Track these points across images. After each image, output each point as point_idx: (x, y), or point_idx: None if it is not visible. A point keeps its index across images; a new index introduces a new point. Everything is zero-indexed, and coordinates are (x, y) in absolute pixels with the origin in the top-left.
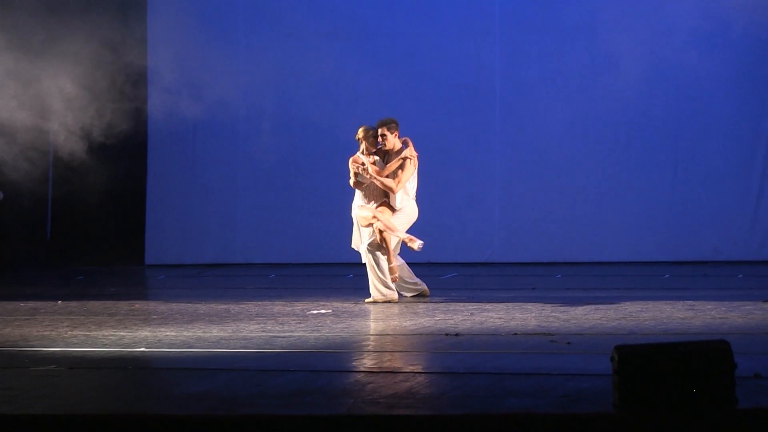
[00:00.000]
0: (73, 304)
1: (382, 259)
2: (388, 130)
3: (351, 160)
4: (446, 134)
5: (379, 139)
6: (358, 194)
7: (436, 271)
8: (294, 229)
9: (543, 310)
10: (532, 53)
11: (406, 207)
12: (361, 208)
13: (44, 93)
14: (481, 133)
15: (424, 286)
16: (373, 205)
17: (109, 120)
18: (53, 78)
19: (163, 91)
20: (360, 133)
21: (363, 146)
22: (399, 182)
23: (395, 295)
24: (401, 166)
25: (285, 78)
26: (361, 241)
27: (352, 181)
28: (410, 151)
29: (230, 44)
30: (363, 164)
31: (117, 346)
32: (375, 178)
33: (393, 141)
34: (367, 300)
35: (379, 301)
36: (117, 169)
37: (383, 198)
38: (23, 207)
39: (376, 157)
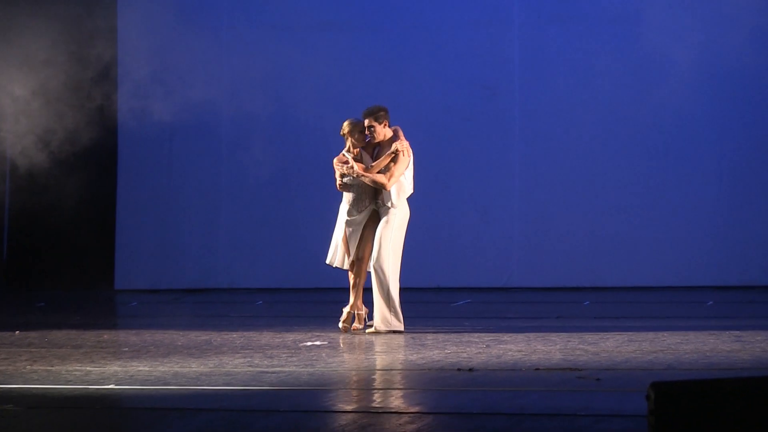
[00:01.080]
0: (33, 334)
1: (393, 279)
2: (376, 120)
3: (336, 160)
4: (458, 140)
5: (367, 131)
6: (346, 199)
7: (446, 297)
8: (285, 250)
9: (569, 341)
10: (558, 48)
11: (403, 206)
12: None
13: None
14: (499, 139)
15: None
16: (366, 211)
17: (73, 125)
18: (6, 77)
19: (136, 91)
20: (345, 127)
21: (349, 143)
22: (392, 176)
23: (401, 326)
24: (394, 159)
25: (275, 77)
26: (349, 255)
27: (338, 183)
28: (402, 143)
29: (213, 37)
30: (347, 163)
31: (83, 382)
32: (363, 176)
33: (382, 132)
34: (368, 330)
35: (382, 331)
36: (83, 181)
37: (375, 200)
38: None
39: (370, 161)
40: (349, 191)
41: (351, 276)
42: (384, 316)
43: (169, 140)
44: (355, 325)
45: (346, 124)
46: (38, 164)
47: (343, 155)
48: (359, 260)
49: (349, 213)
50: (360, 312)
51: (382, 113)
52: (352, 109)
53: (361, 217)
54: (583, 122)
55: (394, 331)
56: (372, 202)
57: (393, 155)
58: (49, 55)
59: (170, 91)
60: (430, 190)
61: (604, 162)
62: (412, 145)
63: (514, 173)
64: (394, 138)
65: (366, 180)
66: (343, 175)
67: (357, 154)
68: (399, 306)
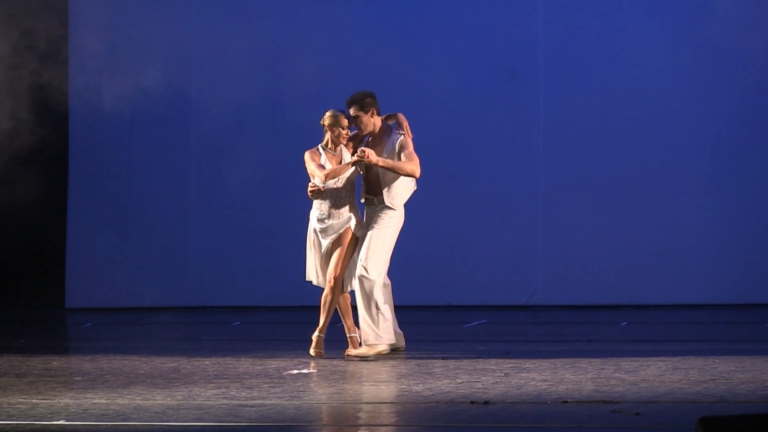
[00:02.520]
0: None
1: (385, 289)
2: (362, 109)
3: (308, 156)
4: (473, 131)
5: (352, 122)
6: (318, 206)
7: (458, 317)
8: (265, 263)
9: (603, 369)
10: (588, 25)
11: (401, 209)
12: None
13: None
14: (520, 130)
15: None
16: (344, 218)
17: (13, 117)
18: None
19: (90, 75)
20: (326, 119)
21: (327, 136)
22: (415, 163)
23: (393, 340)
24: (403, 145)
25: (258, 58)
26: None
27: (310, 187)
28: (406, 130)
29: (182, 9)
30: (363, 152)
31: (28, 417)
32: (383, 164)
33: (371, 122)
34: (355, 351)
35: (370, 354)
36: (27, 181)
37: (353, 203)
38: None
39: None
40: (321, 198)
41: (325, 293)
42: (372, 334)
43: (129, 134)
44: (349, 350)
45: (328, 114)
46: None
47: (317, 150)
48: (331, 279)
49: (325, 219)
50: (353, 335)
51: (368, 99)
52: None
53: (340, 224)
54: (620, 111)
55: (392, 350)
56: (352, 206)
57: (400, 140)
58: None
59: (128, 77)
60: (439, 191)
61: (644, 160)
62: (417, 136)
63: (538, 171)
64: (392, 127)
65: (389, 165)
66: (354, 163)
67: (333, 150)
68: (389, 319)
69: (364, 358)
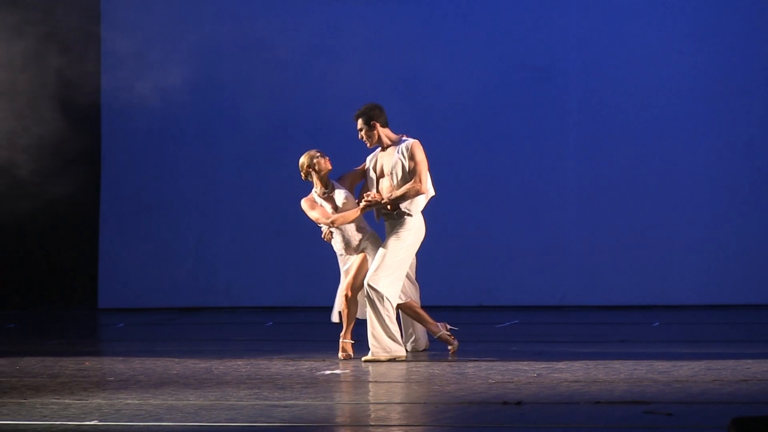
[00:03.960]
0: (1, 361)
1: (388, 301)
2: (366, 122)
3: (306, 206)
4: (506, 134)
5: (360, 135)
6: (334, 243)
7: (490, 318)
8: (296, 263)
9: (635, 369)
10: (620, 24)
11: (419, 218)
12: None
13: None
14: (551, 130)
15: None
16: (362, 245)
17: (45, 118)
18: None
19: (122, 74)
20: (303, 163)
21: (315, 178)
22: (420, 175)
23: (402, 352)
24: (412, 157)
25: (291, 56)
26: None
27: (325, 233)
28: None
29: (214, 6)
30: (369, 195)
31: (61, 417)
32: (390, 200)
33: (375, 135)
34: (365, 357)
35: (382, 359)
36: (60, 184)
37: (365, 226)
38: None
39: (344, 192)
40: (333, 234)
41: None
42: (381, 342)
43: (160, 134)
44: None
45: (302, 160)
46: (5, 164)
47: (313, 197)
48: (348, 294)
49: (345, 255)
50: (347, 341)
51: (375, 111)
52: (375, 91)
53: (359, 251)
54: (652, 111)
55: (394, 359)
56: (364, 232)
57: (410, 152)
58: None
59: (160, 76)
60: (471, 191)
61: (677, 159)
62: (448, 137)
63: (570, 171)
64: (400, 137)
65: (397, 196)
66: (366, 207)
67: (326, 190)
68: (396, 328)
69: (372, 361)
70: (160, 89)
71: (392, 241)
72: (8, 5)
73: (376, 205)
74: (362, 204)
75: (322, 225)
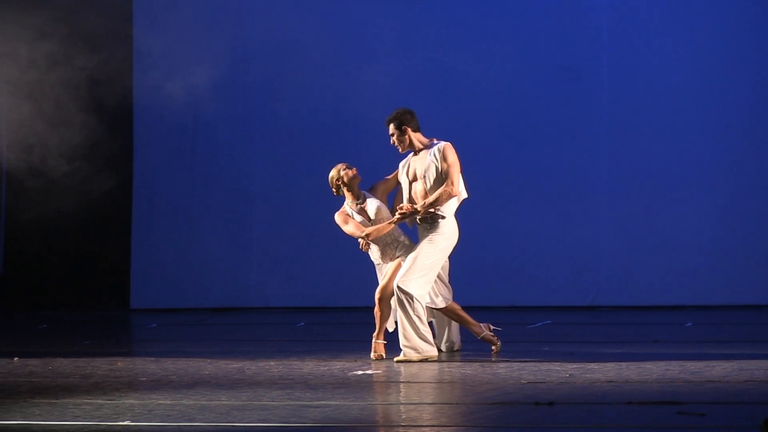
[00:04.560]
0: (34, 362)
1: (417, 302)
2: (398, 127)
3: (340, 220)
4: (535, 132)
5: (392, 140)
6: (370, 253)
7: (522, 318)
8: (328, 263)
9: (668, 370)
10: (653, 23)
11: (452, 221)
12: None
13: None
14: (583, 131)
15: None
16: (398, 252)
17: (77, 119)
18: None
19: (154, 75)
20: (331, 179)
21: (345, 191)
22: (453, 177)
23: (434, 352)
24: (445, 159)
25: (324, 55)
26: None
27: (364, 248)
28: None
29: (246, 6)
30: (402, 208)
31: (93, 418)
32: (425, 207)
33: (406, 140)
34: (397, 358)
35: (414, 359)
36: (92, 183)
37: (399, 234)
38: None
39: (376, 202)
40: (372, 247)
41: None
42: (413, 343)
43: (192, 135)
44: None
45: (330, 176)
46: (38, 163)
47: (345, 211)
48: (381, 299)
49: (381, 265)
50: (379, 341)
51: (408, 116)
52: (410, 95)
53: (396, 257)
54: (685, 111)
55: (426, 359)
56: (399, 240)
57: (442, 153)
58: (47, 28)
59: (191, 76)
60: (503, 191)
61: (710, 158)
62: (478, 137)
63: (602, 171)
64: (432, 141)
65: (430, 202)
66: (400, 217)
67: (358, 201)
68: (428, 329)
69: (403, 362)
70: (191, 89)
71: (425, 245)
72: (40, 6)
73: (410, 216)
74: (396, 216)
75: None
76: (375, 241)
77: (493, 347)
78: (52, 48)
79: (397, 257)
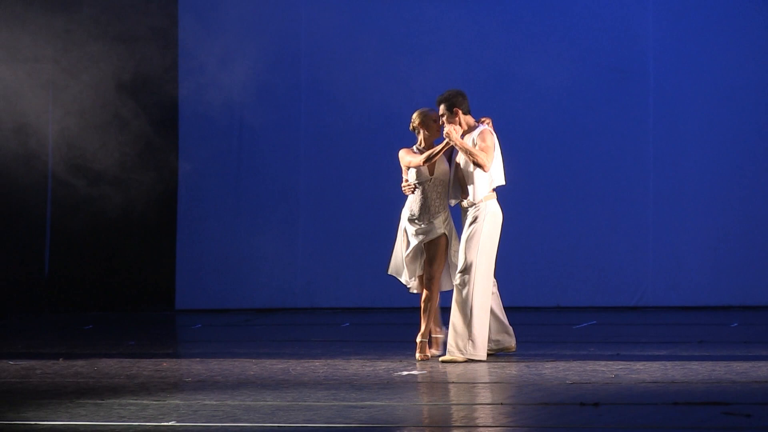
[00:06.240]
0: (80, 362)
1: (480, 298)
2: (448, 109)
3: (403, 152)
4: (584, 134)
5: (441, 121)
6: (410, 203)
7: (568, 318)
8: (374, 264)
9: (713, 370)
10: (700, 23)
11: (492, 203)
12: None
13: (39, 86)
14: (630, 131)
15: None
16: (438, 219)
17: (123, 121)
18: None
19: (200, 76)
20: (415, 119)
21: (421, 136)
22: (487, 155)
23: (481, 354)
24: (482, 137)
25: (370, 55)
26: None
27: (404, 183)
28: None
29: (292, 7)
30: (447, 134)
31: (138, 418)
32: (462, 147)
33: (456, 121)
34: (442, 358)
35: (459, 360)
36: (137, 185)
37: (445, 208)
38: (14, 235)
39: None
40: (414, 196)
41: (422, 297)
42: (461, 342)
43: (238, 135)
44: (432, 351)
45: (415, 115)
46: (84, 166)
47: (413, 149)
48: (430, 279)
49: (416, 220)
50: (437, 336)
51: (459, 98)
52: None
53: (431, 227)
54: (733, 111)
55: (472, 360)
56: (444, 209)
57: (481, 135)
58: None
59: (238, 77)
60: (549, 191)
61: (757, 158)
62: (526, 137)
63: (648, 171)
64: (478, 123)
65: (462, 150)
66: (417, 172)
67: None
68: (483, 331)
69: (450, 362)
70: (237, 90)
71: (469, 231)
72: (84, 8)
73: (456, 139)
74: (444, 141)
75: (408, 175)
76: (423, 193)
77: (420, 354)
78: (97, 50)
79: (437, 226)
